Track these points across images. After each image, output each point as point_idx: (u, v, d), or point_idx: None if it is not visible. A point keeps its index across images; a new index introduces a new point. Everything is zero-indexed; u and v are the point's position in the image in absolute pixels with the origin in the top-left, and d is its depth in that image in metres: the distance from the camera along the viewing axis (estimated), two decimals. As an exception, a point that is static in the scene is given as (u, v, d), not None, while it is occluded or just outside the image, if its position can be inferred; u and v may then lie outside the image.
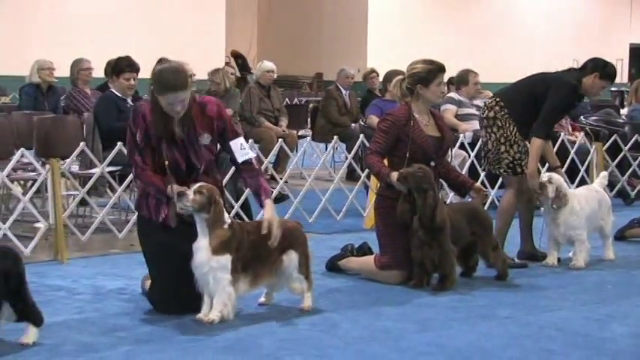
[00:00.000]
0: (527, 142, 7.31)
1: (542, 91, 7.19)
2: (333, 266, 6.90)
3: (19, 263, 4.86)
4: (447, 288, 6.36)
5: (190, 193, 5.30)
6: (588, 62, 7.33)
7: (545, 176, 7.36)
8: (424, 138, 6.61)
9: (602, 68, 7.27)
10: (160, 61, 5.60)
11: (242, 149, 5.65)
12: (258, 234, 5.48)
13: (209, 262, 5.33)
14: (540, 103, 7.19)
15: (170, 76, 5.43)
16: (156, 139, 5.53)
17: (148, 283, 5.81)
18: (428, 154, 6.61)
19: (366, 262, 6.75)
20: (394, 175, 6.39)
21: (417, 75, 6.70)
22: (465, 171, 9.58)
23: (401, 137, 6.59)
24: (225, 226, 5.38)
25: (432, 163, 6.60)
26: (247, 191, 8.39)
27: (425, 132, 6.64)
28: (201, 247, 5.36)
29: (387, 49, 24.78)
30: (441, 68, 6.72)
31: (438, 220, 6.31)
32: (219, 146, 5.77)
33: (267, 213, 5.53)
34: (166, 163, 5.50)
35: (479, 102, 10.30)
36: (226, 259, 5.34)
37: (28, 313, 4.88)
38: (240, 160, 5.65)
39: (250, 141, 10.16)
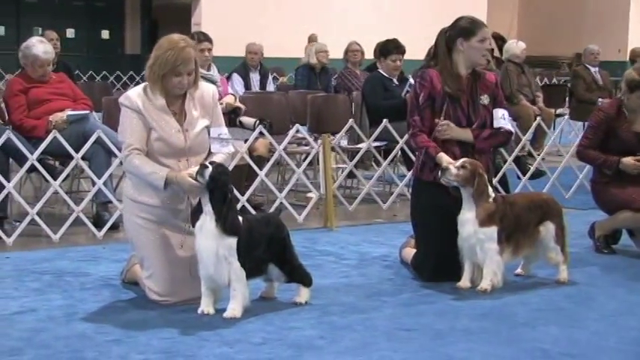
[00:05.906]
0: None
1: None
2: None
3: (282, 229, 4.97)
4: None
5: (453, 168, 5.30)
6: None
7: None
8: (627, 134, 6.37)
9: None
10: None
11: (502, 118, 5.70)
12: (519, 206, 5.44)
13: (476, 234, 5.31)
14: None
15: (472, 17, 5.70)
16: (440, 99, 5.61)
17: (409, 251, 5.84)
18: (630, 151, 6.36)
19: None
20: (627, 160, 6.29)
21: None
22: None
23: (609, 132, 6.40)
24: (490, 199, 5.35)
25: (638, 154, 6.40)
26: (505, 166, 8.28)
27: (630, 128, 6.38)
28: (468, 219, 5.34)
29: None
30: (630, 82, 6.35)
31: None
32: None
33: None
34: (436, 120, 5.58)
35: None
36: (492, 231, 5.31)
37: (296, 275, 5.00)
38: (495, 125, 5.67)
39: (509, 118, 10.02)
